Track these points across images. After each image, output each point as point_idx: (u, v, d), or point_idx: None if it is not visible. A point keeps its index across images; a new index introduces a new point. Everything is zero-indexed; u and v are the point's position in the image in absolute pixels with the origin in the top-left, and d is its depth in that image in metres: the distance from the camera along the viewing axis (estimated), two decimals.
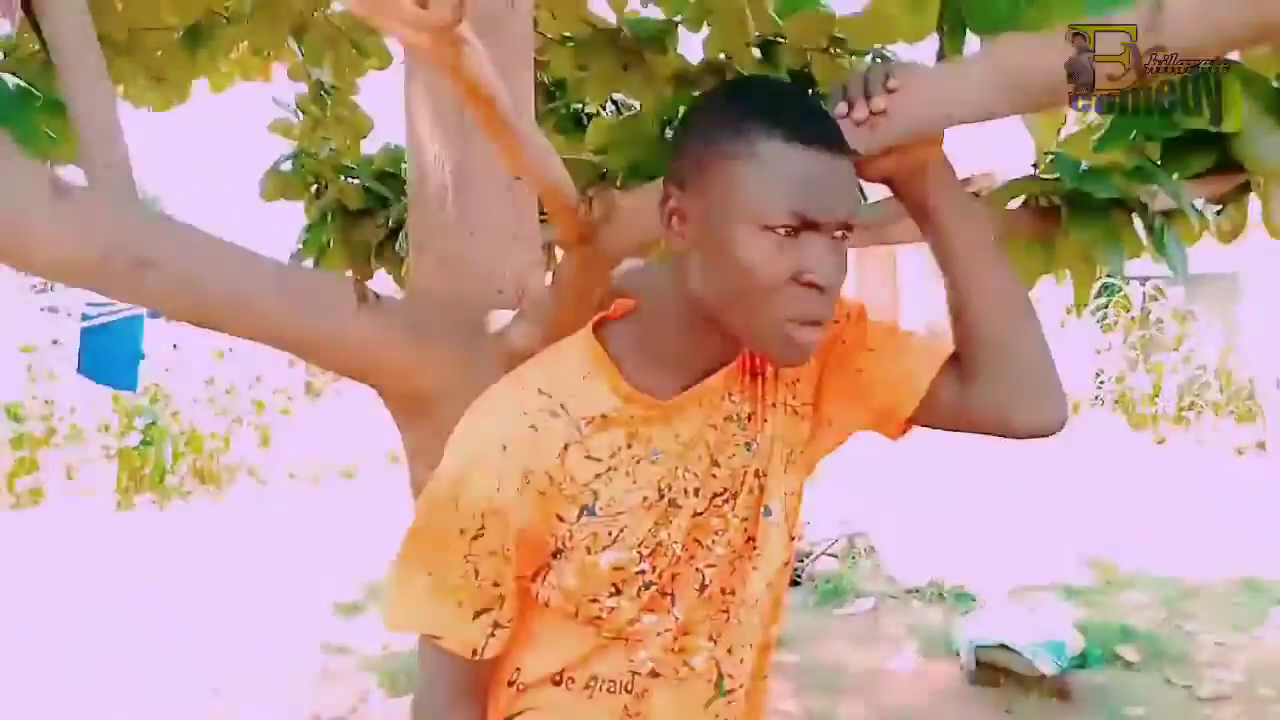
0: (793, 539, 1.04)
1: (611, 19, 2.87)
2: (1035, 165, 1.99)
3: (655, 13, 2.95)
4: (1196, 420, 8.99)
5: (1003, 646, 3.74)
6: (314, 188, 4.02)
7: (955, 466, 6.82)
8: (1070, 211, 1.94)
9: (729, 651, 0.99)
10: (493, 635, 0.93)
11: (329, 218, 3.76)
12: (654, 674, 0.96)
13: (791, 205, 0.81)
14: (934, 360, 1.02)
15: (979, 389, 1.00)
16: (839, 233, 0.85)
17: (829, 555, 5.33)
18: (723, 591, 0.98)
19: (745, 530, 0.99)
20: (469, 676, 0.96)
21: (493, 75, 0.75)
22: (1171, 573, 5.03)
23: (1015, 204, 2.01)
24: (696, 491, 0.95)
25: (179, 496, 8.11)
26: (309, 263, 3.88)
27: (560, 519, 0.91)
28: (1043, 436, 1.01)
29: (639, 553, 0.92)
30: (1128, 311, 10.19)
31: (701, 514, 0.96)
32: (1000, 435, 1.01)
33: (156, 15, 3.03)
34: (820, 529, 5.48)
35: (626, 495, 0.92)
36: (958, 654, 3.93)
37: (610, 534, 0.91)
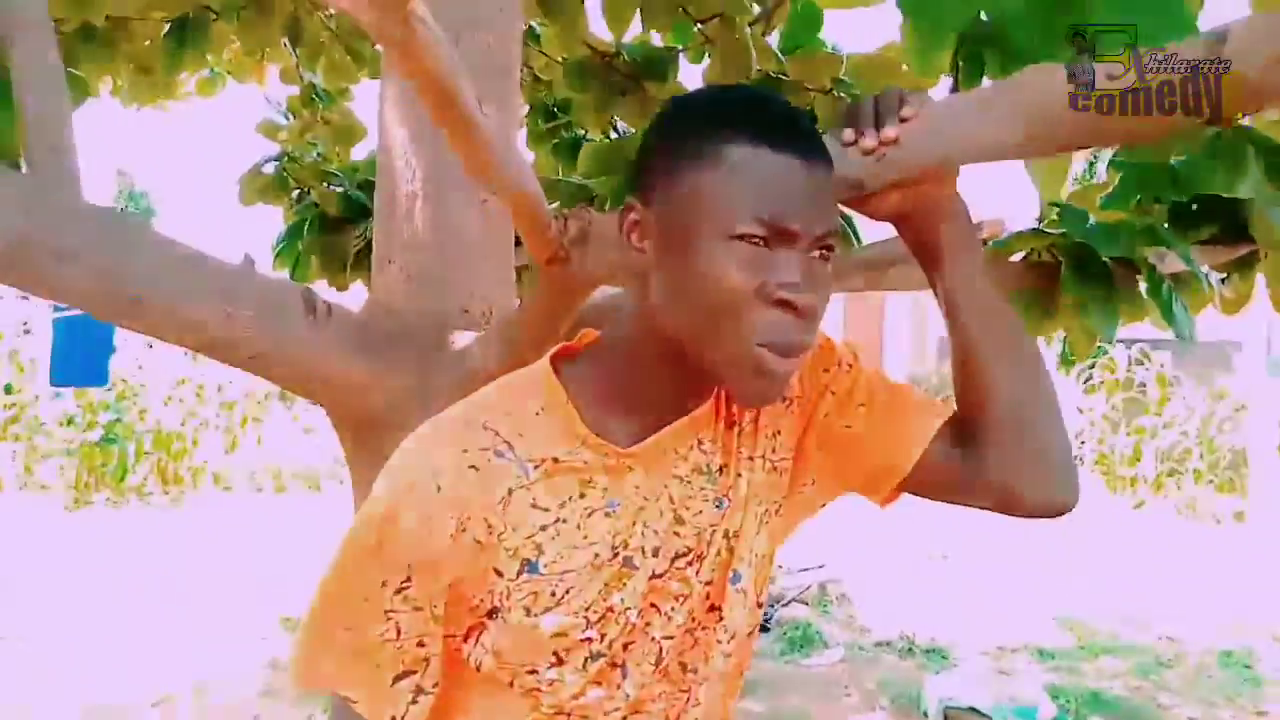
0: (760, 606, 0.93)
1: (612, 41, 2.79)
2: (1040, 219, 1.90)
3: (656, 40, 2.88)
4: (1176, 487, 8.94)
5: (972, 710, 3.63)
6: (295, 193, 3.92)
7: (933, 515, 6.73)
8: (1071, 269, 1.86)
9: None
10: (414, 702, 0.82)
11: (307, 225, 3.65)
12: None
13: (761, 211, 0.73)
14: (932, 421, 0.91)
15: (982, 459, 0.89)
16: (818, 251, 0.76)
17: (799, 601, 5.20)
18: (683, 667, 0.87)
19: (709, 597, 0.88)
20: None
21: (452, 63, 0.66)
22: (1146, 640, 4.94)
23: (1016, 258, 1.93)
24: (656, 551, 0.84)
25: (138, 497, 7.92)
26: (285, 272, 3.77)
27: (498, 574, 0.80)
28: (1050, 517, 0.91)
29: (586, 618, 0.81)
30: (1113, 373, 10.17)
31: (661, 576, 0.85)
32: (1001, 512, 0.91)
33: (141, 5, 2.93)
34: (792, 573, 5.36)
35: (575, 551, 0.81)
36: (925, 714, 3.81)
37: (554, 594, 0.80)
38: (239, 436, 9.06)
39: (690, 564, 0.86)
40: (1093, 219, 1.84)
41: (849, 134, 0.85)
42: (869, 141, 0.84)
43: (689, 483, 0.86)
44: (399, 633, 0.79)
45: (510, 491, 0.79)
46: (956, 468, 0.90)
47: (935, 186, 0.88)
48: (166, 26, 3.14)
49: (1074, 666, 4.55)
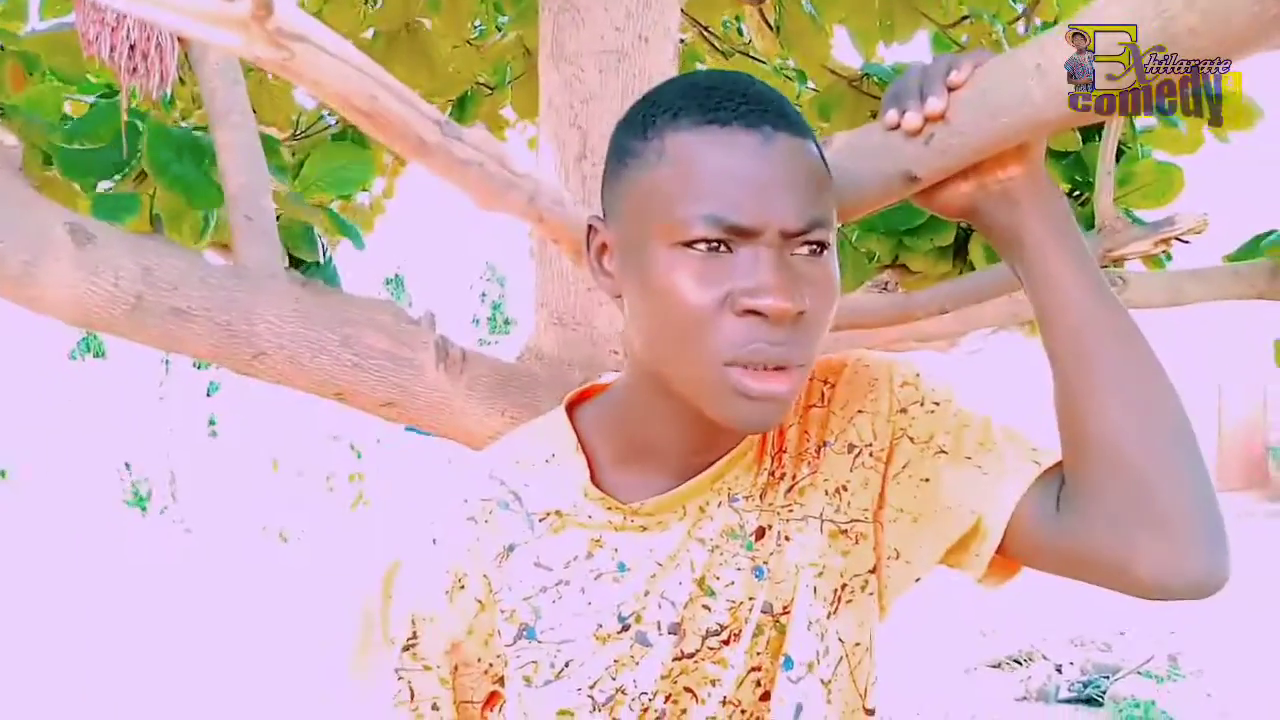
0: (870, 713, 0.77)
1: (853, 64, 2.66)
2: None
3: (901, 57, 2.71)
4: None
5: None
6: None
7: None
8: None
9: None
10: None
11: None
12: None
13: (707, 207, 0.63)
14: (1026, 470, 0.71)
15: (1085, 522, 0.68)
16: (805, 248, 0.65)
17: (1141, 674, 4.55)
18: None
19: (759, 685, 0.74)
20: None
21: (360, 81, 0.61)
22: None
23: None
24: (676, 628, 0.72)
25: None
26: None
27: (500, 636, 0.73)
28: (1184, 598, 0.67)
29: (591, 698, 0.71)
30: None
31: (692, 656, 0.73)
32: (1120, 591, 0.69)
33: (425, 91, 3.21)
34: (1132, 640, 4.71)
35: (575, 619, 0.72)
36: None
37: (553, 666, 0.71)
38: None
39: (726, 643, 0.73)
40: None
41: (892, 116, 0.70)
42: (912, 120, 0.68)
43: (718, 548, 0.74)
44: (413, 694, 0.74)
45: (511, 548, 0.73)
46: (1053, 529, 0.70)
47: (1014, 167, 0.70)
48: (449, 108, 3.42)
49: None
